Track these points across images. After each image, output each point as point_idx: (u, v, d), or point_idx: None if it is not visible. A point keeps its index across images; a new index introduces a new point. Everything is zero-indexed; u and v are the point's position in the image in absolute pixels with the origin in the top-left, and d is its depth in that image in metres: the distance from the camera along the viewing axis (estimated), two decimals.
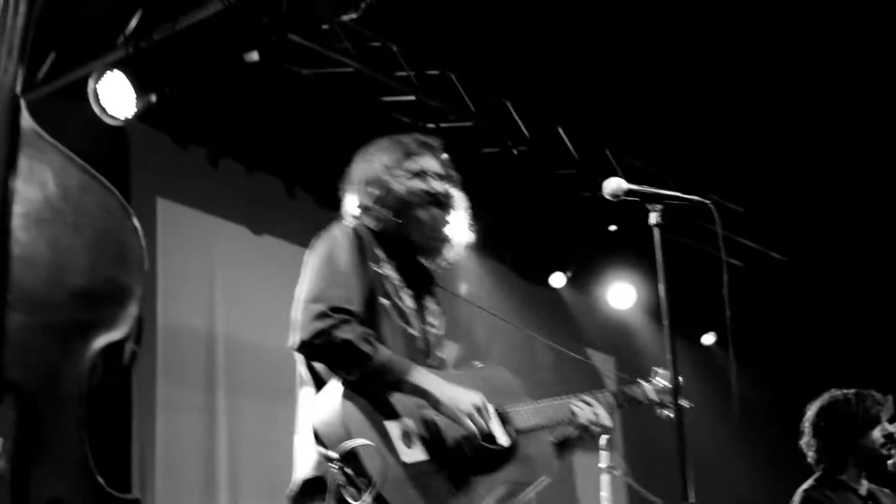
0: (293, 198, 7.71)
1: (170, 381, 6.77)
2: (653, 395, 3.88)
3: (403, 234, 3.36)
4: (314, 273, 3.15)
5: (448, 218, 3.48)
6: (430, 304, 3.47)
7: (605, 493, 5.82)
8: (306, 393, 3.16)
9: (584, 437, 3.48)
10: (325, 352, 3.03)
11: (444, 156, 3.58)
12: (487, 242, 8.58)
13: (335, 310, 3.04)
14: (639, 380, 3.94)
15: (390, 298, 3.25)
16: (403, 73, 7.38)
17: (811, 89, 8.00)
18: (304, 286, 3.14)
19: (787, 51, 7.71)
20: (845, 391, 5.03)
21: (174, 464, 6.69)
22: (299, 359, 3.20)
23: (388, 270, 3.30)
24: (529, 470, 3.29)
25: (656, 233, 3.40)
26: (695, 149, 8.68)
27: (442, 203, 3.45)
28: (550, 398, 3.46)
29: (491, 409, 3.20)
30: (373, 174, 3.41)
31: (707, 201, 3.39)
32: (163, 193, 7.03)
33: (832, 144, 8.47)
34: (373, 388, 3.03)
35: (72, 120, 5.76)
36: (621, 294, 9.07)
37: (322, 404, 3.03)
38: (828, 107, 8.15)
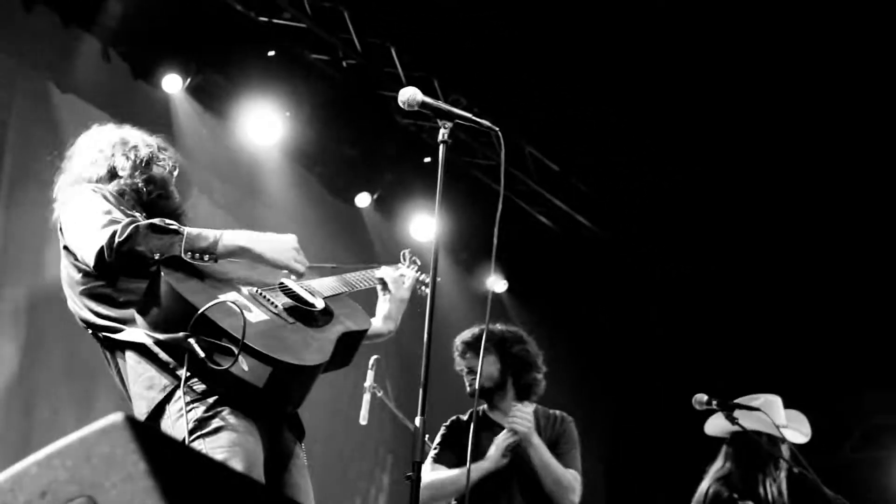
0: (108, 61, 7.39)
1: None
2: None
3: (150, 199, 3.53)
4: (86, 216, 3.24)
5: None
6: None
7: (364, 412, 5.89)
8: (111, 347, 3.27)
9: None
10: (132, 247, 3.07)
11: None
12: (299, 149, 8.45)
13: (118, 221, 3.16)
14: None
15: None
16: None
17: (647, 58, 8.17)
18: (81, 229, 3.23)
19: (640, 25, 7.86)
20: None
21: None
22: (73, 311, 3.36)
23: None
24: (356, 320, 3.50)
25: (442, 149, 3.39)
26: (523, 101, 8.75)
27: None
28: (348, 271, 3.75)
29: (291, 281, 3.41)
30: (127, 146, 3.59)
31: (495, 128, 3.41)
32: None
33: (657, 122, 8.68)
34: (189, 266, 3.13)
35: None
36: (422, 226, 9.06)
37: (146, 300, 3.10)
38: (658, 81, 8.34)
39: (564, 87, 8.50)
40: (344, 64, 8.11)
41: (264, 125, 7.95)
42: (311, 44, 7.88)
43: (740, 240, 9.51)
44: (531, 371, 5.09)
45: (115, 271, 3.16)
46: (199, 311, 2.95)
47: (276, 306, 3.25)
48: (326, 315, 3.40)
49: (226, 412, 3.02)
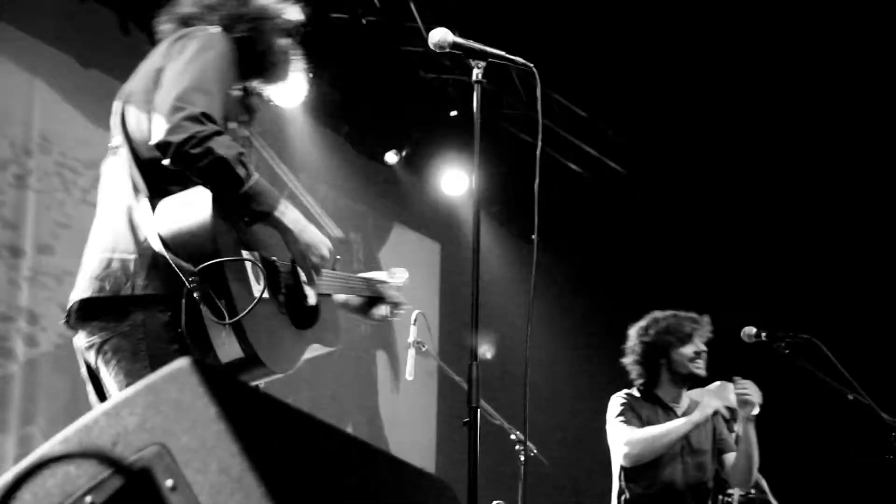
0: (126, 34, 7.36)
1: None
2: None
3: (258, 57, 3.22)
4: (193, 69, 2.88)
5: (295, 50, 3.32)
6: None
7: (409, 367, 5.86)
8: (133, 202, 2.90)
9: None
10: (194, 161, 2.75)
11: None
12: (324, 110, 8.40)
13: (207, 117, 2.79)
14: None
15: (237, 122, 3.10)
16: None
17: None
18: (177, 77, 2.85)
19: None
20: (664, 312, 5.24)
21: None
22: (126, 161, 2.95)
23: (236, 93, 3.14)
24: (330, 335, 3.29)
25: (477, 89, 3.35)
26: (545, 48, 8.63)
27: (294, 33, 3.35)
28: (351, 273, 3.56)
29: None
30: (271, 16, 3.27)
31: (530, 65, 3.36)
32: None
33: (684, 68, 8.55)
34: (234, 211, 2.86)
35: None
36: (454, 181, 9.02)
37: (184, 211, 2.80)
38: (683, 28, 8.21)
39: (586, 31, 8.39)
40: (364, 21, 8.03)
41: (287, 87, 7.89)
42: (329, 2, 7.80)
43: (774, 180, 9.39)
44: None
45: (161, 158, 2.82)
46: (218, 260, 2.73)
47: (280, 287, 3.04)
48: (311, 316, 3.20)
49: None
